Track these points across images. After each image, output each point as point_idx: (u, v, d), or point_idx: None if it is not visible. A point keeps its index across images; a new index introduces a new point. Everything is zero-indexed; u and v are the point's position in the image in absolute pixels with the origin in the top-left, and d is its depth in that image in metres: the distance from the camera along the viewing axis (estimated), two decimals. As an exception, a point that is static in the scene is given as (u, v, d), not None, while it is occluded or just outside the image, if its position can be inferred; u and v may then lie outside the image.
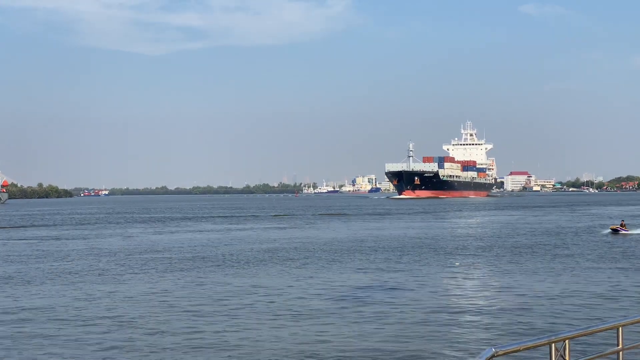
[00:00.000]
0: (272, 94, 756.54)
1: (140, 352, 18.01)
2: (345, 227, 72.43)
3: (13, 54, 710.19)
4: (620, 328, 8.16)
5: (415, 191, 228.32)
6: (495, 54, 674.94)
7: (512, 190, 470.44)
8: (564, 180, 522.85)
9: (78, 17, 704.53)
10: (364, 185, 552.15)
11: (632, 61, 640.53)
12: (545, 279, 30.41)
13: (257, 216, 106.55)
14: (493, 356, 6.65)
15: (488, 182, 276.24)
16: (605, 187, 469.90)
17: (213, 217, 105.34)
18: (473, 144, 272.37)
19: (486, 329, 20.21)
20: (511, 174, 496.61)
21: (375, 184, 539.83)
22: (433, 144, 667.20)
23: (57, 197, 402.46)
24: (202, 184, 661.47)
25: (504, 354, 6.75)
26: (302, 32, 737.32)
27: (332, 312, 22.95)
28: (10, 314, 23.52)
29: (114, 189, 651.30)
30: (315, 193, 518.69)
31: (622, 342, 8.17)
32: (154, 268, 36.40)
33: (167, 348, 18.37)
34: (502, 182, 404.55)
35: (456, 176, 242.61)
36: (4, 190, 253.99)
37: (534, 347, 7.38)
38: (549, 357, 7.31)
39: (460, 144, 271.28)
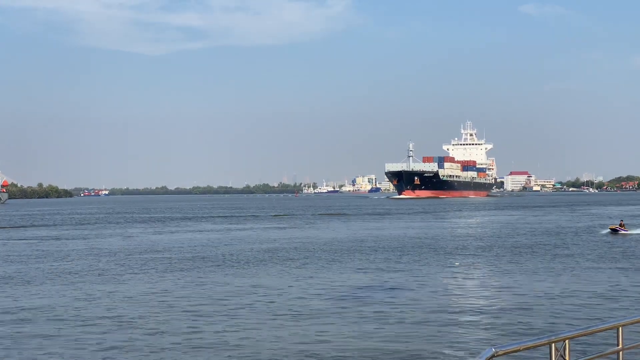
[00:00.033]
0: (272, 94, 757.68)
1: (140, 352, 18.01)
2: (345, 227, 72.43)
3: (13, 54, 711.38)
4: (620, 328, 8.16)
5: (415, 191, 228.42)
6: (495, 54, 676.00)
7: (512, 190, 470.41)
8: (564, 180, 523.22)
9: (78, 17, 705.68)
10: (364, 185, 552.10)
11: (632, 61, 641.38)
12: (545, 279, 30.42)
13: (257, 216, 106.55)
14: (493, 356, 6.66)
15: (488, 182, 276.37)
16: (605, 187, 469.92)
17: (213, 217, 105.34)
18: (473, 144, 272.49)
19: (486, 329, 20.21)
20: (511, 174, 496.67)
21: (375, 184, 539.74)
22: (433, 144, 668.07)
23: (57, 197, 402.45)
24: (202, 184, 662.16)
25: (504, 354, 6.75)
26: (302, 32, 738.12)
27: (332, 312, 22.95)
28: (10, 314, 23.51)
29: (114, 189, 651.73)
30: (315, 193, 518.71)
31: (622, 342, 8.17)
32: (153, 268, 36.41)
33: (167, 348, 18.37)
34: (502, 182, 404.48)
35: (456, 176, 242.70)
36: (4, 190, 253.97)
37: (534, 347, 7.38)
38: (549, 357, 7.31)
39: (460, 144, 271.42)
